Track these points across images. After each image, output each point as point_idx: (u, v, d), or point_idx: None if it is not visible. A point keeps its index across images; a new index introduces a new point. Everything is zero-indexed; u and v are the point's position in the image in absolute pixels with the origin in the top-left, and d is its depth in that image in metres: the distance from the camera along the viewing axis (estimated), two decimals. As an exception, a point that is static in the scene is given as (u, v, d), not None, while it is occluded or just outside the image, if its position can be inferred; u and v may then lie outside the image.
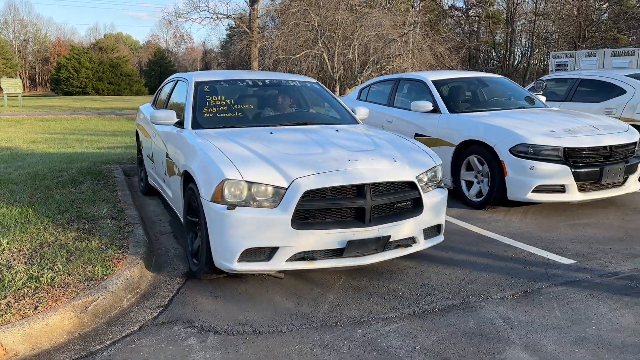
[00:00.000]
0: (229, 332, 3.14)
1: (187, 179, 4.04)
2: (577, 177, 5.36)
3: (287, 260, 3.49)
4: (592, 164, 5.47)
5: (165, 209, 5.95)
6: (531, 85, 8.71)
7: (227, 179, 3.46)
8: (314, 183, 3.45)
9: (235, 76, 5.47)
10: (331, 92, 5.66)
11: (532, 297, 3.57)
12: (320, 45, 21.04)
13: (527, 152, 5.40)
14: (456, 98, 6.96)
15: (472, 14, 37.86)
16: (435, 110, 6.55)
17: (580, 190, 5.44)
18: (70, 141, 12.28)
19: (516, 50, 39.32)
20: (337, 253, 3.55)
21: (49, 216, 4.97)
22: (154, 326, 3.23)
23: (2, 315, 3.05)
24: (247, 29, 29.70)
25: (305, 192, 3.41)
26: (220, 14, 30.63)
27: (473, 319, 3.26)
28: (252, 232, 3.42)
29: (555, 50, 28.16)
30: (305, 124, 4.83)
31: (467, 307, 3.44)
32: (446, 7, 39.05)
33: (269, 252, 3.48)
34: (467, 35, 36.30)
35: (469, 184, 6.02)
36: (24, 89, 35.22)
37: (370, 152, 3.97)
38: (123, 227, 4.72)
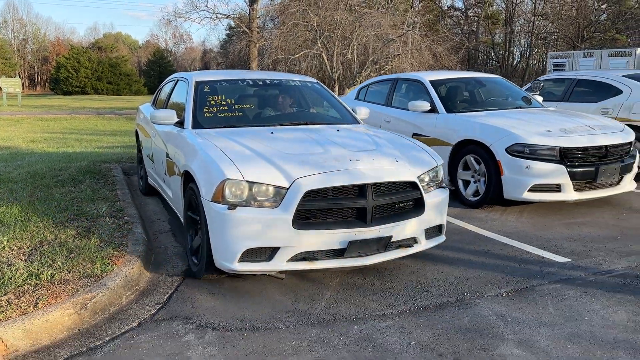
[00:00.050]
0: (227, 328, 3.18)
1: (188, 178, 4.05)
2: (572, 176, 5.41)
3: (288, 261, 3.48)
4: (587, 164, 5.52)
5: (164, 207, 5.99)
6: (528, 85, 8.75)
7: (228, 179, 3.46)
8: (315, 183, 3.44)
9: (236, 76, 5.46)
10: (332, 92, 5.68)
11: (526, 295, 3.62)
12: (320, 45, 21.09)
13: (523, 151, 5.44)
14: (453, 98, 7.01)
15: (471, 14, 37.92)
16: (433, 110, 6.60)
17: (576, 189, 5.49)
18: (69, 140, 12.32)
19: (515, 50, 39.41)
20: (338, 253, 3.54)
21: (48, 214, 5.01)
22: (153, 322, 3.27)
23: (3, 311, 3.09)
24: (246, 29, 29.77)
25: (306, 192, 3.40)
26: (220, 13, 30.74)
27: (468, 316, 3.31)
28: (253, 233, 3.41)
29: (554, 51, 28.20)
30: (306, 123, 4.83)
31: (462, 304, 3.48)
32: (445, 8, 39.11)
33: (270, 253, 3.48)
34: (466, 35, 36.36)
35: (466, 184, 6.07)
36: (23, 89, 35.23)
37: (371, 152, 3.96)
38: (122, 226, 4.77)
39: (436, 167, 4.06)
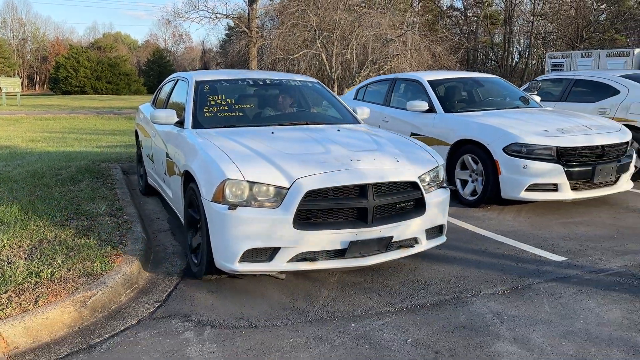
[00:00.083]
0: (225, 326, 3.21)
1: (188, 178, 4.05)
2: (569, 176, 5.44)
3: (289, 261, 3.47)
4: (584, 163, 5.55)
5: (163, 207, 6.01)
6: (526, 85, 8.79)
7: (229, 179, 3.45)
8: (316, 183, 3.44)
9: (236, 75, 5.46)
10: (332, 92, 5.68)
11: (522, 293, 3.65)
12: (319, 45, 21.10)
13: (521, 151, 5.48)
14: (451, 98, 7.05)
15: (470, 14, 37.93)
16: (431, 109, 6.63)
17: (573, 189, 5.52)
18: (69, 140, 12.33)
19: (514, 50, 39.44)
20: (339, 254, 3.54)
21: (48, 213, 5.04)
22: (152, 320, 3.30)
23: (3, 309, 3.12)
24: (245, 29, 29.76)
25: (307, 192, 3.40)
26: (219, 13, 30.70)
27: (464, 314, 3.34)
28: (254, 233, 3.40)
29: (553, 51, 28.25)
30: (307, 123, 4.83)
31: (458, 302, 3.51)
32: (444, 8, 39.13)
33: (270, 253, 3.47)
34: (465, 35, 36.37)
35: (464, 183, 6.10)
36: (22, 88, 35.20)
37: (372, 151, 3.95)
38: (122, 225, 4.79)
39: (437, 167, 4.06)
